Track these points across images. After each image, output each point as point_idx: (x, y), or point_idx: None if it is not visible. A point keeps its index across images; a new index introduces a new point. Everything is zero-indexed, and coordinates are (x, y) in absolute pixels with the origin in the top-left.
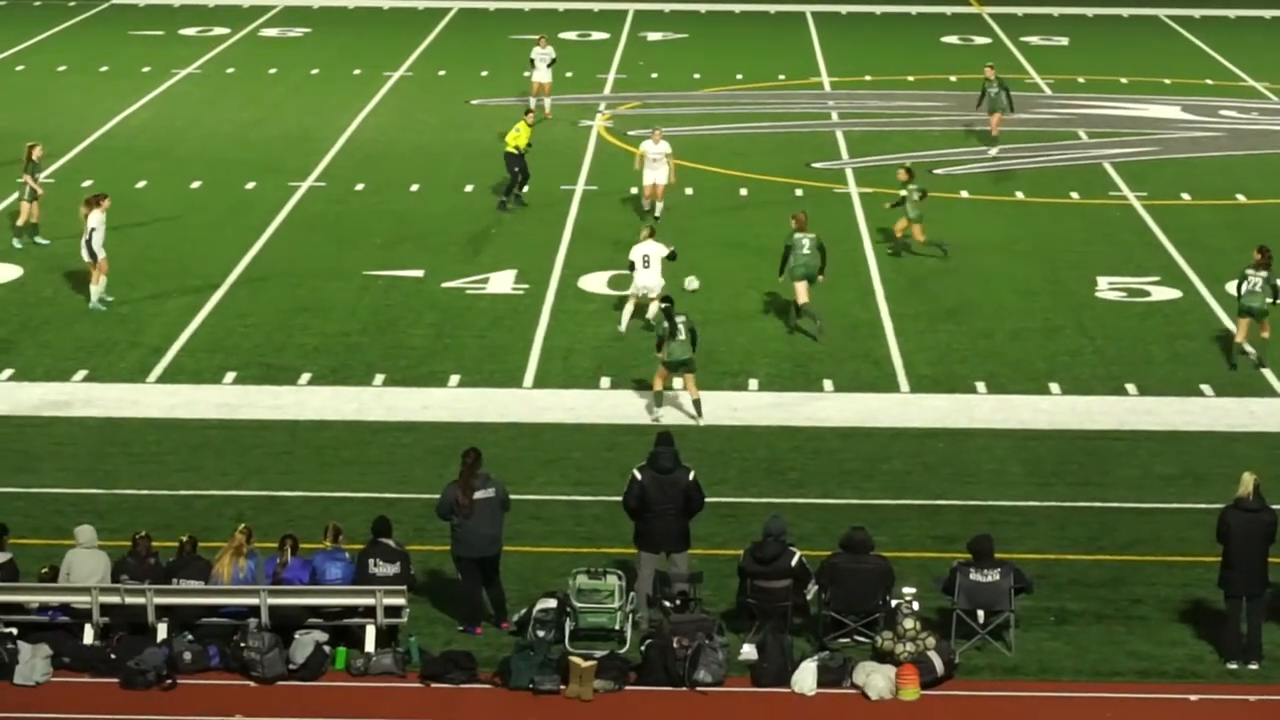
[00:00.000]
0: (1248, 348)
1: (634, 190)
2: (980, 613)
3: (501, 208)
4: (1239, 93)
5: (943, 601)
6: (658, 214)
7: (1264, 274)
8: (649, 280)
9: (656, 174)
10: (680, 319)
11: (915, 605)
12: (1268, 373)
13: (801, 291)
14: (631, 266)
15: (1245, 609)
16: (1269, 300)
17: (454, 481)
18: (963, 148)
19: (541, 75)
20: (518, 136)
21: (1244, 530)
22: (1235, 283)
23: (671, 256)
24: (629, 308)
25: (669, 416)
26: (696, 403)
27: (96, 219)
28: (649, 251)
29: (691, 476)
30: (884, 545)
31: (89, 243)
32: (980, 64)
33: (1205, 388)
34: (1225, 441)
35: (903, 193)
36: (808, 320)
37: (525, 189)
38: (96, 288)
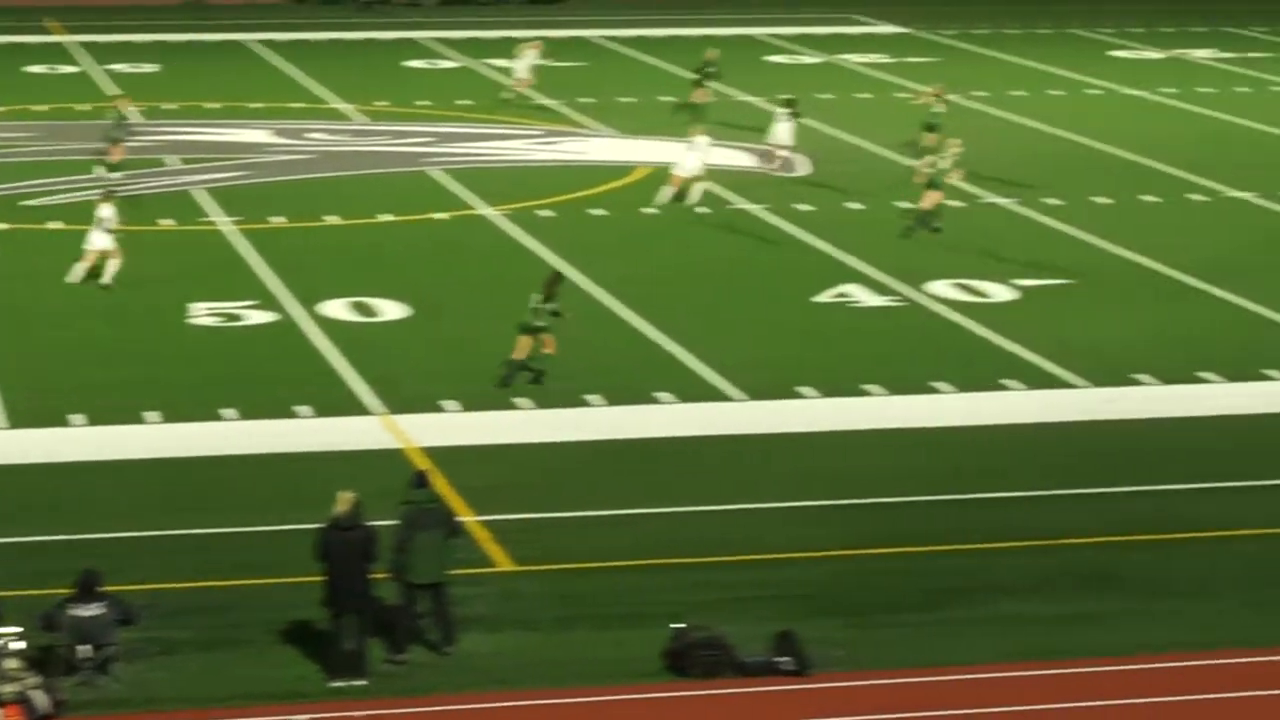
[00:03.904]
0: None
1: None
2: (89, 647)
3: None
4: (328, 115)
5: (48, 639)
6: None
7: None
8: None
9: None
10: None
11: (19, 644)
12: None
13: None
14: None
15: (349, 626)
16: None
17: None
18: (57, 177)
19: None
20: None
21: (342, 549)
22: None
23: None
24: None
25: None
26: None
27: None
28: None
29: None
30: None
31: None
32: (71, 93)
33: (301, 409)
34: (322, 461)
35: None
36: None
37: None
38: None
